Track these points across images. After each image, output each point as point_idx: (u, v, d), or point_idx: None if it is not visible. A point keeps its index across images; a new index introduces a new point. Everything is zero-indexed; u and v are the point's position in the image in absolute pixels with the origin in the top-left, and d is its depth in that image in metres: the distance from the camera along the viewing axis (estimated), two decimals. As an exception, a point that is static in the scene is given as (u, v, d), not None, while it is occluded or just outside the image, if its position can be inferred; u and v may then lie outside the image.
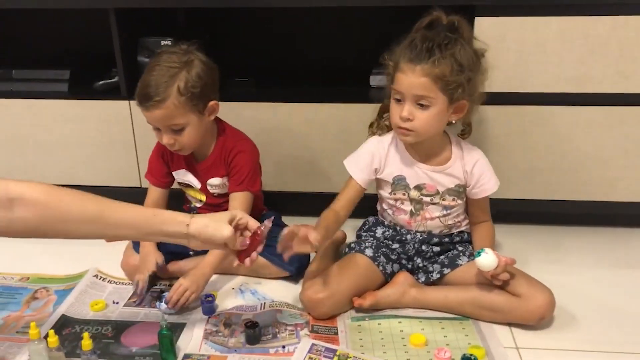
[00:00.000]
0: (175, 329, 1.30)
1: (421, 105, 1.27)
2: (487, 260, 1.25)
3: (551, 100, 1.55)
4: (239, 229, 1.18)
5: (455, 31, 1.28)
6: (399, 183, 1.40)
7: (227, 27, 1.94)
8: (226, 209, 1.47)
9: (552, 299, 1.26)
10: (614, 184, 1.61)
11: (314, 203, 1.56)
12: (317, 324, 1.29)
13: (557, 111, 1.56)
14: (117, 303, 1.41)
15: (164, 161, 1.51)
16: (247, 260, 1.19)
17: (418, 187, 1.39)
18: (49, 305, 1.41)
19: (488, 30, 1.49)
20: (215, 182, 1.49)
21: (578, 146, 1.58)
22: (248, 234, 1.19)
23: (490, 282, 1.29)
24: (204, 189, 1.51)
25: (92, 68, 1.80)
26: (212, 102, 1.39)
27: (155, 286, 1.45)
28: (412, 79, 1.25)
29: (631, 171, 1.59)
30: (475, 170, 1.37)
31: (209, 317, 1.33)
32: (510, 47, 1.51)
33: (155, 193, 1.53)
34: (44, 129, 1.76)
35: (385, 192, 1.44)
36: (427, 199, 1.39)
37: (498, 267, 1.25)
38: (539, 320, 1.26)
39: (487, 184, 1.38)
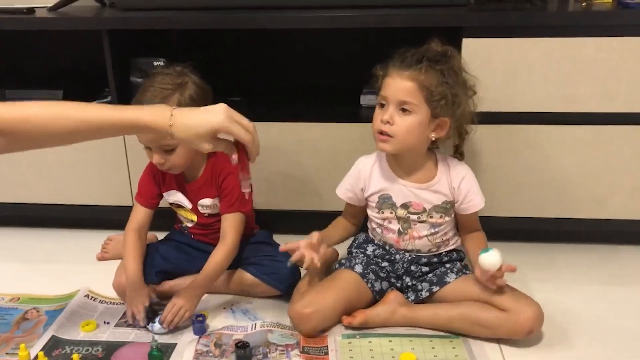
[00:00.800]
0: (166, 350, 1.30)
1: (403, 110, 1.29)
2: (493, 257, 1.26)
3: (539, 119, 1.57)
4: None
5: (447, 58, 1.32)
6: (385, 202, 1.41)
7: (219, 48, 1.96)
8: (218, 229, 1.48)
9: (540, 312, 1.27)
10: (603, 201, 1.62)
11: (304, 221, 1.58)
12: (307, 345, 1.29)
13: (545, 130, 1.58)
14: (108, 323, 1.41)
15: (155, 182, 1.52)
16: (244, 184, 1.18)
17: (404, 206, 1.40)
18: (39, 326, 1.40)
19: (475, 51, 1.51)
20: (206, 203, 1.50)
21: (566, 164, 1.60)
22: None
23: (484, 288, 1.30)
24: (194, 210, 1.52)
25: (85, 88, 1.81)
26: None
27: (154, 312, 1.39)
28: (398, 82, 1.29)
29: (619, 189, 1.61)
30: (462, 186, 1.39)
31: (200, 337, 1.33)
32: (498, 68, 1.53)
33: (141, 213, 1.51)
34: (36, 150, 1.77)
35: (372, 212, 1.45)
36: (414, 217, 1.40)
37: (500, 269, 1.26)
38: (528, 334, 1.27)
39: (475, 199, 1.40)
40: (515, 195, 1.65)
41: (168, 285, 1.49)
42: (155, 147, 1.37)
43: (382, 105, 1.33)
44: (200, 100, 1.37)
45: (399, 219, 1.41)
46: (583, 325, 1.37)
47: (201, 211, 1.51)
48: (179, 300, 1.35)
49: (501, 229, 1.70)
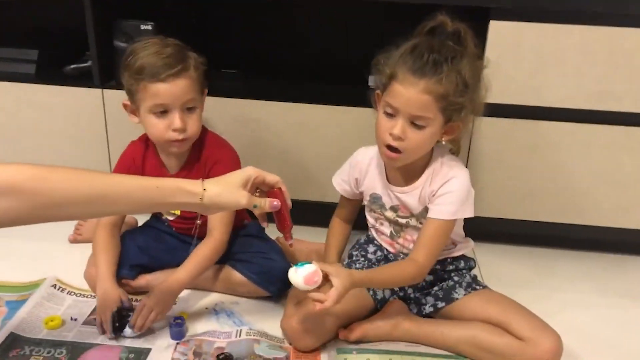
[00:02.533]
0: (139, 356, 1.16)
1: (415, 125, 1.12)
2: (292, 275, 1.06)
3: (566, 116, 1.42)
4: (255, 188, 1.04)
5: (460, 42, 1.13)
6: (375, 202, 1.27)
7: (216, 13, 1.77)
8: (203, 221, 1.32)
9: (560, 344, 1.13)
10: (629, 210, 1.48)
11: (304, 213, 1.42)
12: (298, 360, 1.15)
13: (572, 128, 1.43)
14: (76, 320, 1.26)
15: (133, 169, 1.34)
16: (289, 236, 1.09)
17: (393, 208, 1.26)
18: (-2, 319, 1.26)
19: (503, 35, 1.36)
20: None
21: (591, 168, 1.45)
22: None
23: (498, 309, 1.17)
24: None
25: (63, 49, 1.64)
26: (205, 90, 1.30)
27: (125, 319, 1.22)
28: (412, 94, 1.09)
29: (647, 198, 1.47)
30: (442, 188, 1.18)
31: (178, 343, 1.19)
32: (526, 56, 1.37)
33: None
34: (6, 113, 1.60)
35: (366, 211, 1.32)
36: (403, 220, 1.25)
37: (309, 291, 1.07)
38: (545, 367, 1.14)
39: (443, 206, 1.17)
40: (532, 197, 1.50)
41: (145, 279, 1.34)
42: (178, 106, 1.22)
43: (390, 115, 1.14)
44: (204, 74, 1.27)
45: (389, 221, 1.27)
46: (599, 348, 1.24)
47: None
48: (149, 301, 1.20)
49: (515, 233, 1.57)
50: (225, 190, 0.99)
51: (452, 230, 1.21)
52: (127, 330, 1.19)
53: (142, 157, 1.34)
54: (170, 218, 1.39)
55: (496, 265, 1.52)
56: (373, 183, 1.27)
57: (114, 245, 1.32)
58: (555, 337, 1.13)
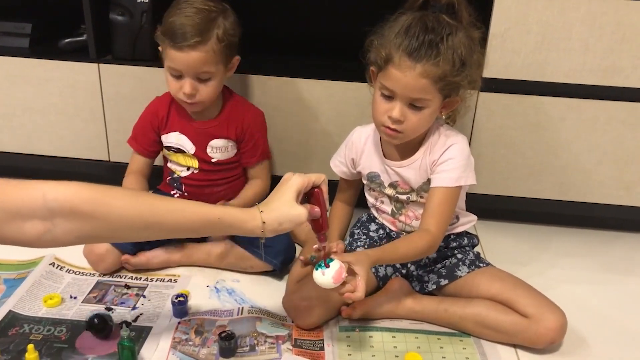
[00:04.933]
0: (140, 333, 1.15)
1: (414, 106, 1.10)
2: (320, 279, 1.02)
3: (572, 92, 1.39)
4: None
5: (454, 14, 1.09)
6: (374, 180, 1.25)
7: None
8: (216, 182, 1.40)
9: (565, 321, 1.12)
10: (631, 187, 1.47)
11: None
12: (301, 338, 1.14)
13: (577, 104, 1.40)
14: (75, 298, 1.24)
15: (154, 127, 1.38)
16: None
17: (392, 185, 1.24)
18: (-4, 297, 1.24)
19: (508, 7, 1.33)
20: (219, 144, 1.36)
21: (596, 144, 1.44)
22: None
23: (502, 286, 1.16)
24: (198, 154, 1.37)
25: (58, 23, 1.60)
26: (235, 58, 1.33)
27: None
28: (409, 79, 1.06)
29: (650, 174, 1.45)
30: (443, 155, 1.15)
31: (179, 322, 1.17)
32: (532, 30, 1.34)
33: (138, 162, 1.41)
34: (0, 89, 1.56)
35: (365, 190, 1.30)
36: (404, 197, 1.23)
37: (339, 288, 1.04)
38: (549, 345, 1.13)
39: (446, 172, 1.14)
40: (536, 174, 1.48)
41: (145, 257, 1.33)
42: (191, 75, 1.25)
43: (387, 97, 1.11)
44: (239, 30, 1.30)
45: (390, 198, 1.25)
46: (604, 327, 1.24)
47: (210, 154, 1.37)
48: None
49: (517, 210, 1.56)
50: (283, 216, 0.97)
51: (458, 199, 1.19)
52: None
53: (167, 108, 1.38)
54: (183, 174, 1.40)
55: (497, 242, 1.51)
56: (370, 161, 1.25)
57: (141, 188, 1.38)
58: (560, 314, 1.12)
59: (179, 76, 1.27)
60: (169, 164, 1.42)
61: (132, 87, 1.51)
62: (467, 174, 1.16)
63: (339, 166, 1.31)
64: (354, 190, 1.35)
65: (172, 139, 1.38)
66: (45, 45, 1.58)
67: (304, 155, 1.54)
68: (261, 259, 1.30)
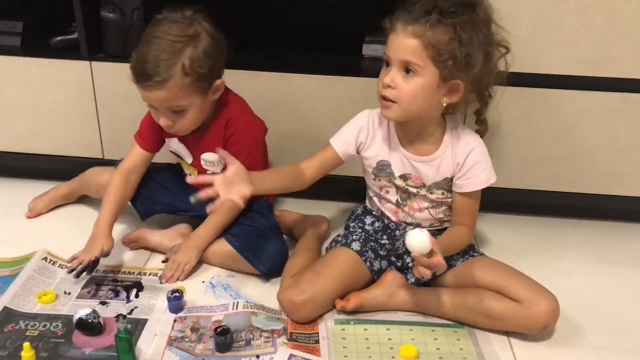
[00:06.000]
0: (136, 325, 1.15)
1: (407, 71, 1.10)
2: (419, 238, 1.04)
3: (563, 84, 1.40)
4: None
5: (470, 7, 1.11)
6: (383, 169, 1.24)
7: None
8: None
9: (557, 305, 1.13)
10: (623, 178, 1.48)
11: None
12: (296, 331, 1.15)
13: (569, 95, 1.41)
14: (69, 294, 1.25)
15: (158, 126, 1.32)
16: None
17: (403, 177, 1.24)
18: (-10, 294, 1.24)
19: (498, 1, 1.32)
20: (209, 158, 1.32)
21: (588, 135, 1.44)
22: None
23: (495, 273, 1.18)
24: (196, 164, 1.35)
25: (49, 21, 1.59)
26: (218, 81, 1.24)
27: (94, 272, 1.28)
28: (401, 39, 1.09)
29: (641, 165, 1.46)
30: (468, 160, 1.19)
31: (175, 321, 1.18)
32: (523, 22, 1.35)
33: (137, 155, 1.36)
34: (-9, 88, 1.56)
35: (369, 179, 1.29)
36: (413, 190, 1.24)
37: (427, 255, 1.06)
38: (542, 329, 1.14)
39: (477, 177, 1.19)
40: (529, 165, 1.49)
41: (141, 232, 1.40)
42: (163, 109, 1.20)
43: (387, 66, 1.14)
44: (216, 54, 1.19)
45: (397, 188, 1.25)
46: (597, 313, 1.25)
47: (204, 167, 1.34)
48: (178, 256, 1.29)
49: (511, 202, 1.57)
50: None
51: None
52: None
53: None
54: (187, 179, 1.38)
55: (490, 234, 1.51)
56: (380, 149, 1.24)
57: (125, 195, 1.35)
58: (552, 298, 1.13)
59: (153, 106, 1.23)
60: (181, 164, 1.42)
61: (125, 85, 1.48)
62: (492, 172, 1.21)
63: (341, 145, 1.25)
64: (322, 170, 1.27)
65: (174, 144, 1.36)
66: (36, 44, 1.57)
67: (298, 152, 1.52)
68: (251, 264, 1.30)
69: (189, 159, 1.36)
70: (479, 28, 1.12)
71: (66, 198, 1.56)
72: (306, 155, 1.52)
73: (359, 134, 1.25)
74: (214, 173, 1.30)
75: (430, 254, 1.06)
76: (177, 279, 1.28)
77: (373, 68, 1.43)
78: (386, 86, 1.12)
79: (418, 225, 1.26)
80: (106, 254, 1.26)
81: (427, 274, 1.07)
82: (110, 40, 1.49)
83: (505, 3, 1.32)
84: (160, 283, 1.28)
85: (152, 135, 1.36)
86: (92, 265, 1.25)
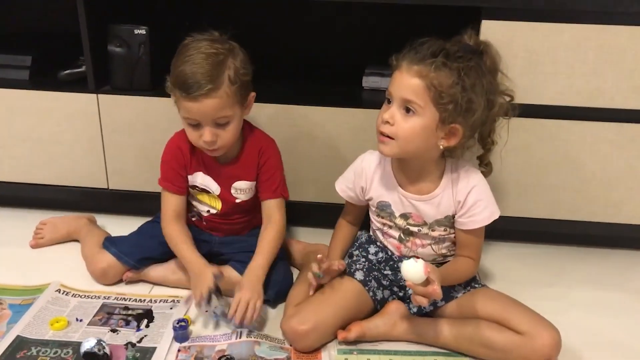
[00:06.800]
0: (145, 354, 1.18)
1: (407, 110, 1.13)
2: (413, 268, 1.07)
3: (558, 114, 1.43)
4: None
5: (478, 54, 1.14)
6: (383, 209, 1.28)
7: (208, 16, 1.78)
8: (237, 221, 1.41)
9: (559, 338, 1.15)
10: (619, 205, 1.50)
11: (298, 213, 1.44)
12: (299, 360, 1.17)
13: (564, 126, 1.44)
14: (81, 321, 1.27)
15: (181, 165, 1.35)
16: None
17: (404, 216, 1.26)
18: (2, 322, 1.26)
19: (495, 35, 1.36)
20: (242, 186, 1.36)
21: (584, 164, 1.47)
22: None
23: (497, 305, 1.20)
24: (223, 195, 1.37)
25: (57, 55, 1.63)
26: (252, 94, 1.30)
27: (219, 299, 1.27)
28: (405, 78, 1.12)
29: (637, 192, 1.49)
30: (469, 198, 1.20)
31: (179, 350, 1.19)
32: (518, 54, 1.39)
33: (175, 202, 1.37)
34: (0, 120, 1.59)
35: (372, 215, 1.33)
36: (415, 229, 1.26)
37: (423, 284, 1.08)
38: (544, 362, 1.15)
39: (479, 214, 1.21)
40: (526, 194, 1.52)
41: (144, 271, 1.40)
42: (209, 122, 1.23)
43: (389, 102, 1.17)
44: (249, 67, 1.27)
45: (398, 227, 1.28)
46: (599, 343, 1.26)
47: (235, 195, 1.36)
48: (243, 295, 1.22)
49: (509, 230, 1.59)
50: None
51: None
52: (218, 308, 1.25)
53: (190, 146, 1.34)
54: (205, 214, 1.41)
55: (490, 262, 1.53)
56: (380, 191, 1.27)
57: (187, 232, 1.37)
58: (554, 331, 1.15)
59: (196, 125, 1.24)
60: (194, 201, 1.42)
61: (131, 117, 1.55)
62: (495, 208, 1.23)
63: (345, 191, 1.32)
64: (360, 211, 1.37)
65: (199, 179, 1.37)
66: (45, 77, 1.61)
67: (299, 181, 1.57)
68: None
69: (216, 191, 1.37)
70: (483, 75, 1.14)
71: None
72: (307, 184, 1.56)
73: (360, 180, 1.29)
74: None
75: (427, 282, 1.08)
76: (253, 318, 1.22)
77: (373, 99, 1.47)
78: (385, 122, 1.15)
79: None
80: (219, 275, 1.28)
81: (423, 302, 1.09)
82: (116, 73, 1.53)
83: (501, 36, 1.36)
84: (235, 327, 1.24)
85: (179, 177, 1.36)
86: (216, 289, 1.25)
